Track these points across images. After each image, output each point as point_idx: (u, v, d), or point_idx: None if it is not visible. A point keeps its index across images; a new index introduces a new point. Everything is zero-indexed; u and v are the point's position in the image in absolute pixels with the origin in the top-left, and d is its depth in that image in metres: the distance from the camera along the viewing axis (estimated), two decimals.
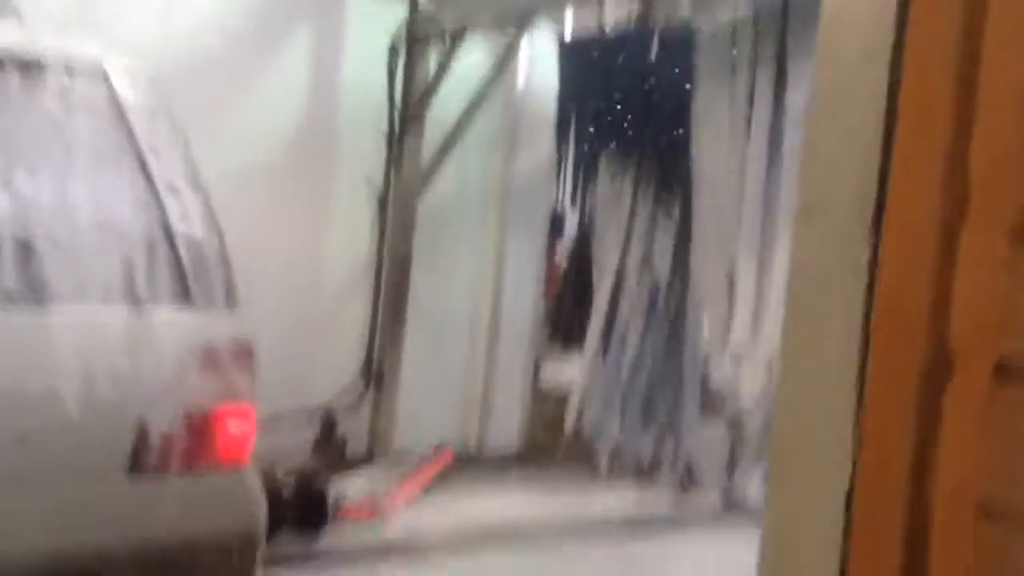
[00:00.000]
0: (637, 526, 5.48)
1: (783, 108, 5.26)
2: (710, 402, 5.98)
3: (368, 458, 5.79)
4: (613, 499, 5.85)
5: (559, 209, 6.99)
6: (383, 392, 5.87)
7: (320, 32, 5.81)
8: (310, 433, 5.66)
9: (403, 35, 5.74)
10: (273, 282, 5.77)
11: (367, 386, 5.89)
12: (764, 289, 5.35)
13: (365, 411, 5.92)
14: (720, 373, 5.89)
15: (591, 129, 6.78)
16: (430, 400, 6.29)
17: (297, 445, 5.54)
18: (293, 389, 5.69)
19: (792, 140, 5.16)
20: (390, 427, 5.87)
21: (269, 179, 5.65)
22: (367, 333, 5.95)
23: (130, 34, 5.06)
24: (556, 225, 6.94)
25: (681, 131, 6.00)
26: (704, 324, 5.88)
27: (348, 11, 5.83)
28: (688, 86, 5.90)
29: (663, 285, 6.23)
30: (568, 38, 6.39)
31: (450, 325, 6.46)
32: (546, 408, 6.77)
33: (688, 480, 6.02)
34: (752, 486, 5.81)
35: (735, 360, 5.55)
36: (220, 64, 5.47)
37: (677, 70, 6.03)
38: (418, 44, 5.71)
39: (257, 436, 5.37)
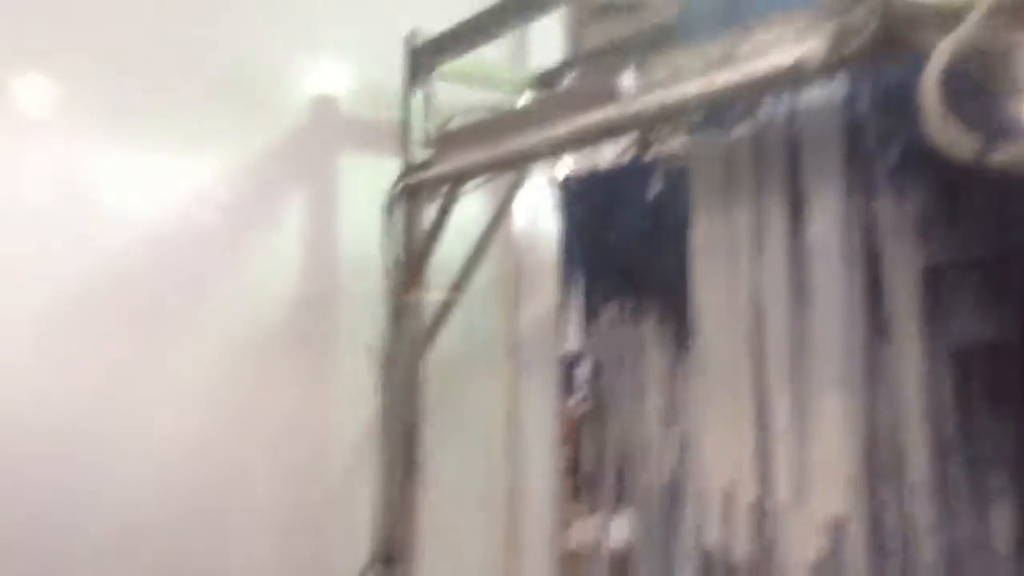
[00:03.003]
0: None
1: (802, 241, 4.75)
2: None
3: None
4: None
5: (569, 356, 6.67)
6: (399, 571, 5.40)
7: (314, 196, 5.59)
8: None
9: (398, 190, 5.48)
10: (274, 461, 5.43)
11: (382, 566, 5.44)
12: (804, 444, 4.83)
13: None
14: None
15: (596, 271, 6.51)
16: (450, 574, 5.85)
17: None
18: None
19: (823, 278, 4.56)
20: None
21: (265, 352, 5.40)
22: (378, 507, 5.52)
23: (123, 210, 4.98)
24: (568, 373, 6.59)
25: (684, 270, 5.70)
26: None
27: (341, 171, 5.62)
28: (687, 221, 5.64)
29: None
30: (566, 178, 6.16)
31: (466, 489, 6.05)
32: (578, 573, 6.30)
33: None
34: None
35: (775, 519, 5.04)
36: (213, 239, 5.29)
37: (676, 205, 5.78)
38: (415, 198, 5.45)
39: None
